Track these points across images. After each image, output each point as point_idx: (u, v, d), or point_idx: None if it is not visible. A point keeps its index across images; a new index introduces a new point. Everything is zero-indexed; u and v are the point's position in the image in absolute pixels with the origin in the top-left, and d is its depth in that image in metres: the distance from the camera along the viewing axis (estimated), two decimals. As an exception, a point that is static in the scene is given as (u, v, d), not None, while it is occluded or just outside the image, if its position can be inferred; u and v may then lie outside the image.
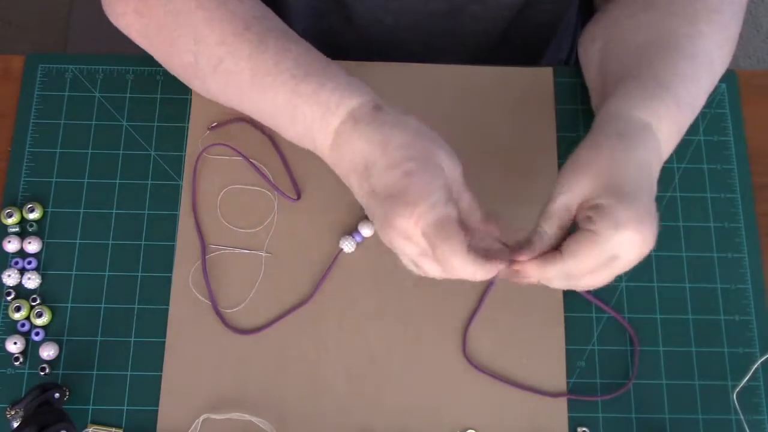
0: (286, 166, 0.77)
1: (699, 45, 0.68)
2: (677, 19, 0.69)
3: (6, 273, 0.73)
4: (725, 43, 0.70)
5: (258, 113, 0.70)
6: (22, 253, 0.74)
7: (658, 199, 0.77)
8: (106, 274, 0.74)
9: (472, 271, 0.59)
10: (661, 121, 0.64)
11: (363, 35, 0.87)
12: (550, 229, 0.62)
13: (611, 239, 0.59)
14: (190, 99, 0.79)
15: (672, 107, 0.65)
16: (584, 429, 0.70)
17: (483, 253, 0.61)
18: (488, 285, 0.74)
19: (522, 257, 0.61)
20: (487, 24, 0.86)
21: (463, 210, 0.63)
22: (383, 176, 0.61)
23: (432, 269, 0.62)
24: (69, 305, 0.73)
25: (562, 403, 0.71)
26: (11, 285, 0.73)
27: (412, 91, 0.80)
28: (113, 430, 0.70)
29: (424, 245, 0.60)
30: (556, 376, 0.72)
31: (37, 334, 0.72)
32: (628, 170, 0.61)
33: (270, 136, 0.78)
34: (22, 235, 0.75)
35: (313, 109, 0.64)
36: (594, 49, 0.74)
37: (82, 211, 0.76)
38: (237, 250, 0.75)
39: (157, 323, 0.72)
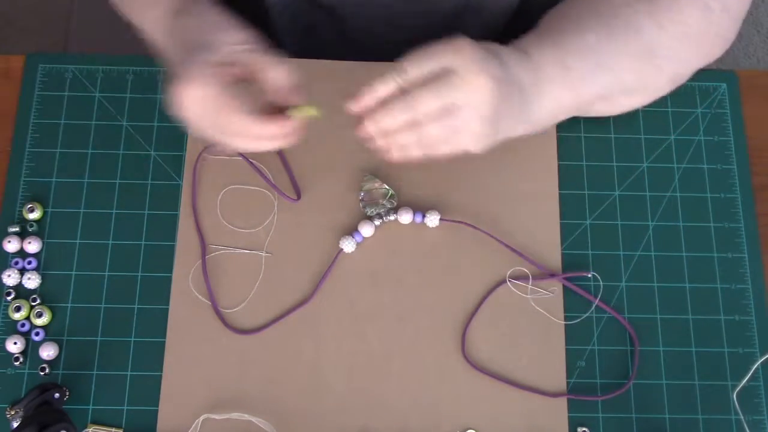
0: (286, 166, 0.77)
1: (624, 17, 0.69)
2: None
3: (6, 273, 0.73)
4: (670, 24, 0.70)
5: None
6: (22, 253, 0.74)
7: (658, 199, 0.77)
8: (106, 274, 0.74)
9: (257, 128, 0.62)
10: (540, 53, 0.67)
11: (356, 48, 0.87)
12: (410, 64, 0.62)
13: (448, 56, 0.61)
14: (190, 99, 0.79)
15: (550, 47, 0.68)
16: (584, 429, 0.70)
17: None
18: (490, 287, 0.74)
19: (365, 98, 0.63)
20: (482, 32, 0.86)
21: (266, 76, 0.64)
22: (174, 60, 0.66)
23: (224, 136, 0.64)
24: (69, 305, 0.73)
25: (562, 403, 0.71)
26: (11, 285, 0.73)
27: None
28: (113, 430, 0.70)
29: (202, 119, 0.63)
30: (556, 376, 0.72)
31: (37, 334, 0.72)
32: (491, 46, 0.65)
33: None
34: (22, 235, 0.75)
35: (154, 12, 0.70)
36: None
37: (82, 211, 0.76)
38: (237, 250, 0.75)
39: (157, 323, 0.72)
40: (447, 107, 0.62)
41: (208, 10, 0.69)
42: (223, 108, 0.62)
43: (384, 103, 0.63)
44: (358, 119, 0.64)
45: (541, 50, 0.67)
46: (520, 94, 0.65)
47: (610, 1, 0.70)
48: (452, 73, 0.62)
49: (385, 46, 0.86)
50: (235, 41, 0.65)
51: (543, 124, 0.70)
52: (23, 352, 0.71)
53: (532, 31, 0.71)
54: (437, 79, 0.62)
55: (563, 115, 0.72)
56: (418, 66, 0.62)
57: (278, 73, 0.64)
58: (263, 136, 0.64)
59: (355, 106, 0.64)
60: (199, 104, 0.62)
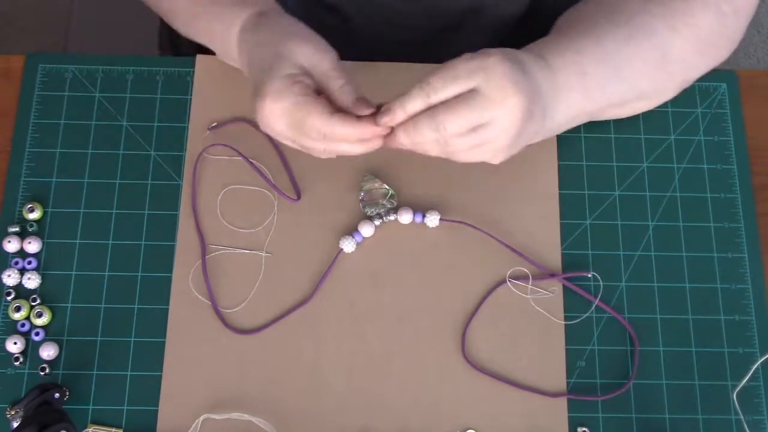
0: (286, 166, 0.77)
1: (638, 20, 0.69)
2: None
3: (6, 273, 0.73)
4: (684, 27, 0.70)
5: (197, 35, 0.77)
6: (22, 253, 0.74)
7: (658, 199, 0.77)
8: (106, 274, 0.74)
9: (343, 130, 0.63)
10: (558, 59, 0.67)
11: (361, 48, 0.87)
12: (440, 83, 0.62)
13: (478, 76, 0.61)
14: (190, 99, 0.79)
15: (569, 53, 0.67)
16: (584, 429, 0.70)
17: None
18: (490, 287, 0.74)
19: (397, 108, 0.63)
20: (487, 36, 0.86)
21: (334, 92, 0.65)
22: (251, 77, 0.67)
23: (311, 144, 0.65)
24: (69, 305, 0.73)
25: (562, 403, 0.71)
26: (11, 285, 0.73)
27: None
28: (113, 430, 0.70)
29: (288, 130, 0.65)
30: (556, 376, 0.72)
31: (37, 334, 0.72)
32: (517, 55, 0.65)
33: (270, 136, 0.78)
34: (22, 235, 0.75)
35: (222, 28, 0.72)
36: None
37: (82, 211, 0.76)
38: (237, 250, 0.75)
39: (157, 323, 0.72)
40: (475, 126, 0.62)
41: (279, 19, 0.70)
42: (307, 114, 0.63)
43: (412, 119, 0.63)
44: (376, 122, 0.64)
45: (560, 56, 0.67)
46: (542, 104, 0.65)
47: (624, 5, 0.70)
48: (482, 95, 0.61)
49: (390, 46, 0.86)
50: (309, 52, 0.66)
51: (559, 130, 0.71)
52: (23, 352, 0.71)
53: (549, 36, 0.71)
54: (467, 100, 0.61)
55: (579, 121, 0.72)
56: (447, 87, 0.62)
57: (343, 96, 0.65)
58: (349, 138, 0.64)
59: (381, 121, 0.63)
60: (283, 116, 0.64)
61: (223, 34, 0.72)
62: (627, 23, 0.69)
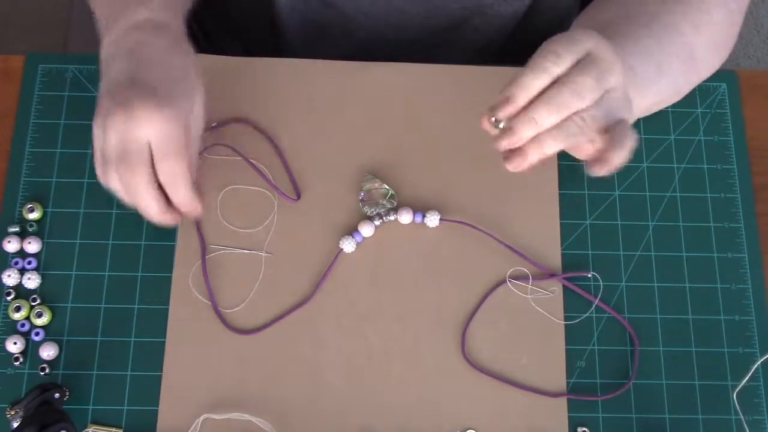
0: (285, 166, 0.77)
1: (663, 19, 0.68)
2: None
3: (6, 273, 0.73)
4: (703, 26, 0.70)
5: None
6: (22, 253, 0.74)
7: (658, 199, 0.77)
8: (106, 274, 0.74)
9: (185, 196, 0.64)
10: None
11: (364, 48, 0.87)
12: (562, 48, 0.58)
13: (587, 41, 0.58)
14: (190, 99, 0.79)
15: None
16: (584, 429, 0.70)
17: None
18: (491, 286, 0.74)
19: (519, 97, 0.57)
20: (488, 36, 0.86)
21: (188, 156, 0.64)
22: (154, 71, 0.63)
23: (116, 177, 0.63)
24: (69, 305, 0.73)
25: (562, 403, 0.71)
26: (11, 285, 0.73)
27: (413, 91, 0.80)
28: (113, 430, 0.70)
29: (140, 145, 0.61)
30: (556, 376, 0.72)
31: (37, 334, 0.72)
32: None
33: (270, 136, 0.78)
34: (22, 235, 0.75)
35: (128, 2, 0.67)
36: None
37: (82, 211, 0.76)
38: (237, 250, 0.75)
39: (157, 323, 0.72)
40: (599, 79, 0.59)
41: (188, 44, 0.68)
42: (177, 149, 0.62)
43: (543, 99, 0.57)
44: (488, 126, 0.59)
45: None
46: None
47: (641, 6, 0.69)
48: (597, 58, 0.58)
49: (390, 46, 0.86)
50: (201, 109, 0.66)
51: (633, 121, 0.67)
52: (23, 352, 0.71)
53: None
54: (591, 64, 0.58)
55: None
56: (570, 51, 0.57)
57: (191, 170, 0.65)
58: (173, 199, 0.65)
59: (503, 111, 0.58)
60: (153, 125, 0.61)
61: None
62: (654, 23, 0.68)
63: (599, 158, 0.60)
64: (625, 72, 0.62)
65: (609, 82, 0.59)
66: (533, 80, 0.57)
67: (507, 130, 0.58)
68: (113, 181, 0.64)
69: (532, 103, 0.58)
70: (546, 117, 0.57)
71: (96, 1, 0.72)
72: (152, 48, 0.65)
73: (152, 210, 0.65)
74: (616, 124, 0.60)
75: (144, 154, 0.62)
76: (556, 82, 0.58)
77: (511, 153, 0.60)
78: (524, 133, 0.58)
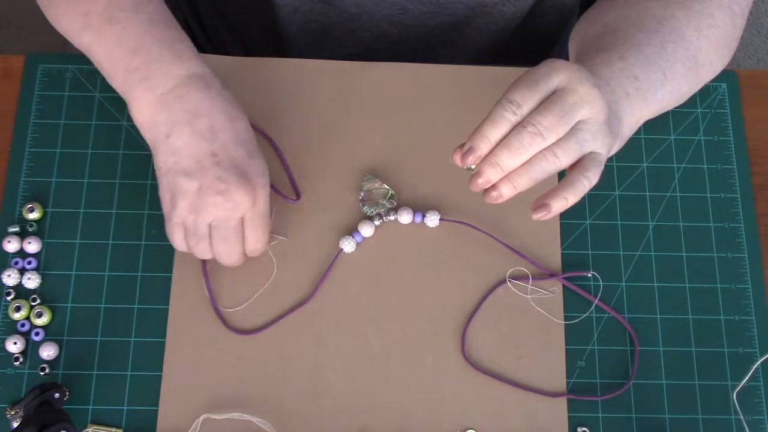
0: (285, 166, 0.77)
1: (667, 25, 0.68)
2: (650, 2, 0.69)
3: (6, 273, 0.73)
4: (706, 29, 0.69)
5: (87, 39, 0.68)
6: (22, 253, 0.74)
7: (658, 199, 0.77)
8: (106, 274, 0.74)
9: (261, 250, 0.71)
10: (603, 68, 0.64)
11: (367, 48, 0.87)
12: (521, 93, 0.57)
13: (553, 78, 0.58)
14: (190, 99, 0.79)
15: (618, 64, 0.65)
16: (584, 429, 0.70)
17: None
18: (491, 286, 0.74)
19: (480, 147, 0.58)
20: (491, 35, 0.86)
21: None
22: (231, 148, 0.66)
23: (205, 246, 0.68)
24: (69, 305, 0.73)
25: (562, 403, 0.71)
26: (11, 285, 0.73)
27: (413, 91, 0.80)
28: (113, 430, 0.70)
29: (237, 222, 0.67)
30: (556, 376, 0.72)
31: (37, 334, 0.72)
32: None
33: (270, 136, 0.78)
34: (22, 235, 0.75)
35: (163, 52, 0.66)
36: (573, 40, 0.74)
37: (82, 211, 0.76)
38: (237, 250, 0.75)
39: (157, 323, 0.72)
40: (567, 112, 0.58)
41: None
42: (264, 223, 0.69)
43: (503, 144, 0.58)
44: (462, 161, 0.59)
45: (606, 65, 0.64)
46: (612, 104, 0.63)
47: (645, 11, 0.69)
48: (565, 93, 0.58)
49: (392, 45, 0.86)
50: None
51: (624, 140, 0.67)
52: (23, 352, 0.71)
53: (581, 52, 0.68)
54: (555, 102, 0.57)
55: (635, 130, 0.69)
56: (529, 97, 0.58)
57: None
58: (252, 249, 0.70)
59: (467, 160, 0.58)
60: (257, 204, 0.67)
61: (159, 56, 0.66)
62: (658, 29, 0.68)
63: (540, 203, 0.60)
64: (629, 84, 0.64)
65: (578, 115, 0.58)
66: (492, 130, 0.58)
67: (476, 174, 0.60)
68: (200, 251, 0.68)
69: (495, 148, 0.58)
70: (508, 161, 0.58)
71: (90, 43, 0.68)
72: (216, 115, 0.66)
73: (229, 262, 0.70)
74: (584, 159, 0.60)
75: (239, 230, 0.68)
76: (518, 125, 0.58)
77: (486, 189, 0.61)
78: (491, 177, 0.59)
